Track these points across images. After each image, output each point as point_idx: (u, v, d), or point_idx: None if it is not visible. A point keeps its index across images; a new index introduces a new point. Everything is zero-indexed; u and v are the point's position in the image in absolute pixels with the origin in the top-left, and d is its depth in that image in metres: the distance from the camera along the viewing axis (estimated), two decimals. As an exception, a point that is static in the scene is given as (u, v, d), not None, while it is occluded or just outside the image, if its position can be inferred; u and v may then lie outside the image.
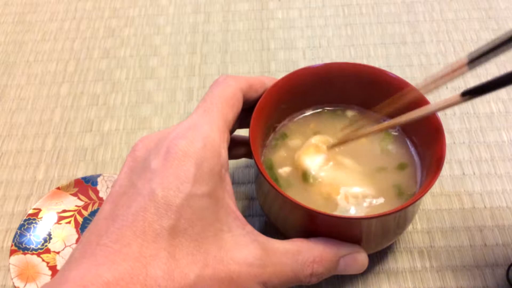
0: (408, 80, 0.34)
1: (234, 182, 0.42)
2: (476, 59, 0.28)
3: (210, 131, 0.28)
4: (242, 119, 0.33)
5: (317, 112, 0.38)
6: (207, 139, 0.27)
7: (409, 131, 0.36)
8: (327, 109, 0.38)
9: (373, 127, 0.34)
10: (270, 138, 0.37)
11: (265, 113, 0.34)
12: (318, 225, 0.31)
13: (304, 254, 0.28)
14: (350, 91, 0.37)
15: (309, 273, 0.28)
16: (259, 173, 0.31)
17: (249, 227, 0.28)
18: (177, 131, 0.27)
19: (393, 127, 0.36)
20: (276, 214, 0.34)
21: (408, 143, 0.36)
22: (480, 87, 0.28)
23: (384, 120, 0.36)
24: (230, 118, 0.30)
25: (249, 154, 0.32)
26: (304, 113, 0.38)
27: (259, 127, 0.34)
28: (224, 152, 0.28)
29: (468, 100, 0.29)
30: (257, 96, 0.33)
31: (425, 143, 0.34)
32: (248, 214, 0.40)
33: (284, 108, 0.37)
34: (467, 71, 0.29)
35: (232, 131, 0.32)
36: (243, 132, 0.35)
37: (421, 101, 0.32)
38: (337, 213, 0.32)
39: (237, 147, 0.36)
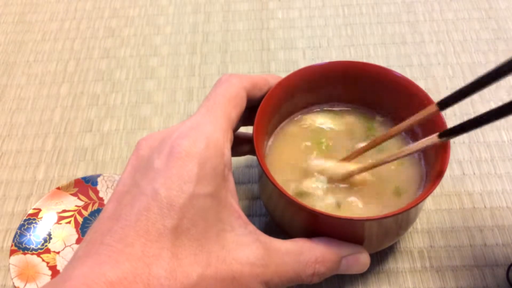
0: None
1: (235, 182, 0.42)
2: (445, 104, 0.29)
3: (213, 130, 0.28)
4: (246, 117, 0.33)
5: (322, 111, 0.38)
6: (210, 139, 0.27)
7: (413, 131, 0.36)
8: (332, 108, 0.38)
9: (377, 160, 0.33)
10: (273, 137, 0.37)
11: (269, 112, 0.34)
12: (321, 226, 0.30)
13: (306, 254, 0.28)
14: (356, 90, 0.36)
15: (311, 273, 0.28)
16: (263, 173, 0.31)
17: (252, 227, 0.28)
18: (180, 130, 0.27)
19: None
20: (280, 214, 0.34)
21: (411, 142, 0.36)
22: (458, 127, 0.29)
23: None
24: (233, 117, 0.30)
25: (253, 151, 0.32)
26: (309, 112, 0.38)
27: (263, 126, 0.33)
28: (227, 152, 0.28)
29: (446, 140, 0.30)
30: (261, 94, 0.33)
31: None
32: (249, 214, 0.40)
33: (288, 107, 0.36)
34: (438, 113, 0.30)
35: (235, 129, 0.32)
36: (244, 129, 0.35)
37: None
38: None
39: (241, 145, 0.35)
